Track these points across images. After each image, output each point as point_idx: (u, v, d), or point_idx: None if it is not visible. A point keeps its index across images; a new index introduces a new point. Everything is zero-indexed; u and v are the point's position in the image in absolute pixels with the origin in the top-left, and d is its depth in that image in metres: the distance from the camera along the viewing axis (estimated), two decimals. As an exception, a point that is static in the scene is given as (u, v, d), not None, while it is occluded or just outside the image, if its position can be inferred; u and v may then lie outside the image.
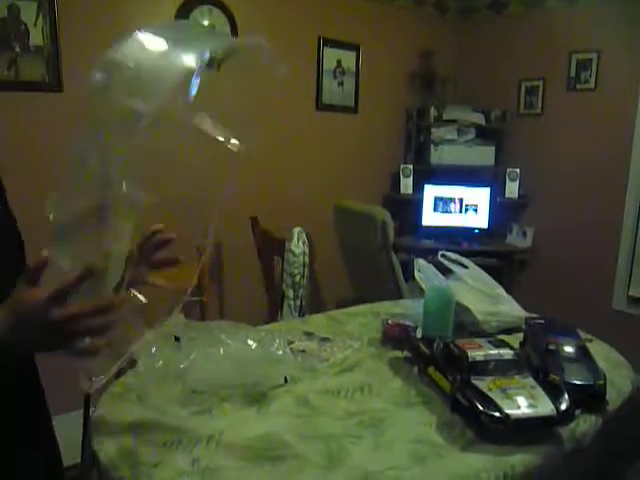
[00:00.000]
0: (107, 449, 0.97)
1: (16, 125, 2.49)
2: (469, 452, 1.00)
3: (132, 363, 0.97)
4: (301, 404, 1.17)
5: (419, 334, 1.47)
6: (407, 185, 3.92)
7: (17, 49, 2.44)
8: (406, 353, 1.42)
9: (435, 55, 3.95)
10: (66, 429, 1.25)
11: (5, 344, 0.76)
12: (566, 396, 1.06)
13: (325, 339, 1.53)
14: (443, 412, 1.13)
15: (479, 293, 1.66)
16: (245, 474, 0.93)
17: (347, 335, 1.58)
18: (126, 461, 0.94)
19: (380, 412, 1.14)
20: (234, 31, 3.07)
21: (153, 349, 1.06)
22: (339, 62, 3.62)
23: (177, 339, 1.12)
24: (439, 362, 1.23)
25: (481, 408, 1.02)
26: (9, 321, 0.75)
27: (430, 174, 3.97)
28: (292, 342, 1.48)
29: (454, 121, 3.89)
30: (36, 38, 2.49)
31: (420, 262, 1.72)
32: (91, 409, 0.88)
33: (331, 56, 3.57)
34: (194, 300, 2.12)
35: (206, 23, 2.98)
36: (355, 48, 3.66)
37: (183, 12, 2.91)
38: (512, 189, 3.82)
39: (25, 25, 2.46)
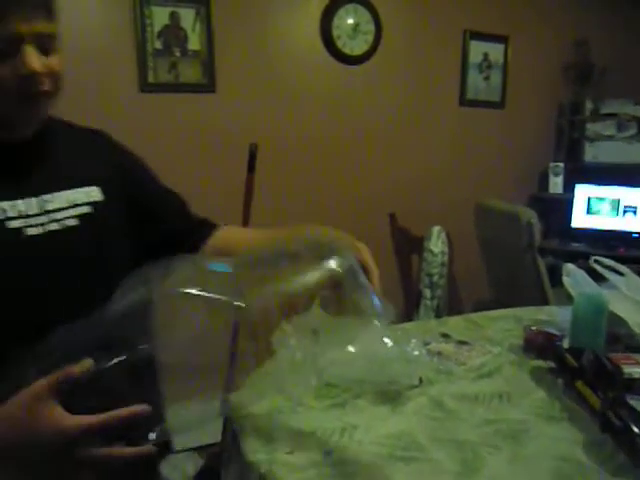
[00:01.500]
0: (246, 433, 1.02)
1: (176, 122, 2.70)
2: (620, 477, 0.92)
3: (271, 353, 1.01)
4: (436, 407, 1.15)
5: (566, 344, 1.38)
6: (556, 184, 3.69)
7: (177, 54, 2.65)
8: (550, 363, 1.33)
9: (592, 43, 3.66)
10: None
11: None
12: None
13: (463, 342, 1.49)
14: (591, 430, 1.05)
15: (638, 304, 1.52)
16: (377, 471, 0.93)
17: (486, 340, 1.52)
18: (263, 446, 0.99)
19: (520, 423, 1.09)
20: (378, 28, 3.08)
21: (292, 341, 1.09)
22: (486, 55, 3.49)
23: (315, 332, 1.15)
24: (588, 376, 1.14)
25: (638, 431, 0.93)
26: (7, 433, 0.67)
27: (583, 173, 3.69)
28: (428, 343, 1.45)
29: (613, 115, 3.58)
30: (194, 43, 2.69)
31: (569, 267, 1.60)
32: (232, 394, 0.93)
33: (477, 49, 3.45)
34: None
35: (351, 21, 3.02)
36: (503, 40, 3.51)
37: (329, 12, 2.97)
38: (681, 190, 3.43)
39: (184, 31, 2.66)
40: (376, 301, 0.95)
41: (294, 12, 2.94)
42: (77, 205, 0.99)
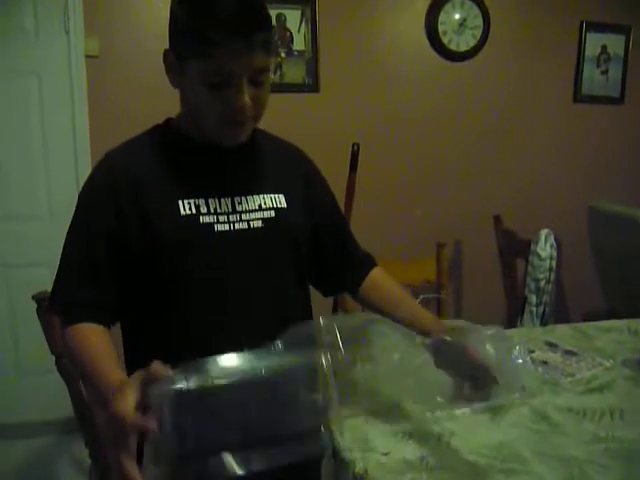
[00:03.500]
0: (342, 432, 1.02)
1: (279, 123, 2.76)
2: None
3: (368, 354, 1.01)
4: (539, 419, 1.09)
5: (689, 361, 1.27)
6: (683, 185, 3.39)
7: (282, 54, 2.72)
8: (670, 381, 1.23)
9: None
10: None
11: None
12: None
13: (570, 352, 1.41)
14: None
15: None
16: (474, 481, 0.91)
17: (597, 351, 1.43)
18: (358, 446, 0.99)
19: (633, 443, 1.01)
20: (486, 23, 2.98)
21: (391, 342, 1.08)
22: (604, 48, 3.27)
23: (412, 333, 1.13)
24: None
25: None
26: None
27: None
28: (532, 351, 1.39)
29: None
30: (299, 44, 2.74)
31: (696, 277, 1.47)
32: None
33: (595, 41, 3.25)
34: (433, 296, 2.13)
35: (457, 17, 2.94)
36: (625, 30, 3.27)
37: (435, 8, 2.92)
38: None
39: (290, 32, 2.72)
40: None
41: (399, 9, 2.92)
42: (263, 209, 1.08)
